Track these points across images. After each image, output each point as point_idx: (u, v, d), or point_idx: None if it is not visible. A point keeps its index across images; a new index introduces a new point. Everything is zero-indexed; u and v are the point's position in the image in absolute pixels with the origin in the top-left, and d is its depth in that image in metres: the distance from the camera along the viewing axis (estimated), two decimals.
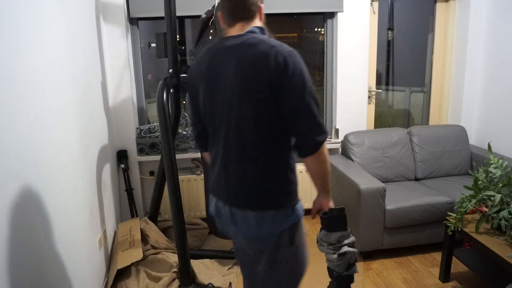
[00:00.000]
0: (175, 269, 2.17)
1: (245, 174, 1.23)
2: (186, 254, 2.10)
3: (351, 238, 1.64)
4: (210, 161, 1.38)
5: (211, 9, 2.05)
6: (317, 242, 1.71)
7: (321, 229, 1.68)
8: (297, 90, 1.15)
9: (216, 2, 2.06)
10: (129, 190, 2.77)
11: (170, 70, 2.17)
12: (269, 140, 1.22)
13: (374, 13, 3.11)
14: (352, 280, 1.64)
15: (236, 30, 1.24)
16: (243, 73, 1.17)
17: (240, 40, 1.20)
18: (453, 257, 2.25)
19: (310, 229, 2.90)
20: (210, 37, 2.02)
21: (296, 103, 1.16)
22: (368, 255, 2.53)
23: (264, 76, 1.14)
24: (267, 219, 1.26)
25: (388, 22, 3.31)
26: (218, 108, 1.24)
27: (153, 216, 2.60)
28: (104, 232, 2.28)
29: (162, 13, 2.18)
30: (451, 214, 2.18)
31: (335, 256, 1.61)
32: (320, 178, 1.28)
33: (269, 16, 2.87)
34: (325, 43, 3.05)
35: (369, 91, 3.21)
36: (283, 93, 1.15)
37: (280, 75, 1.14)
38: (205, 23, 2.05)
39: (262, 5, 1.27)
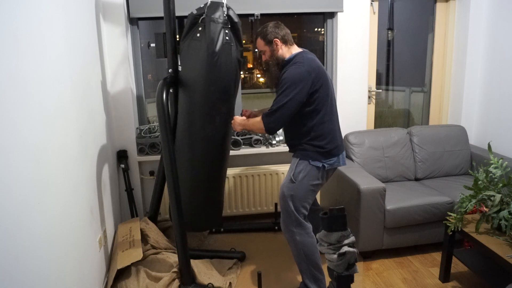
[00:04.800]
0: (175, 269, 2.17)
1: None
2: (186, 254, 2.11)
3: (351, 238, 1.65)
4: (327, 126, 1.98)
5: (203, 6, 2.05)
6: (317, 242, 1.71)
7: (321, 229, 1.68)
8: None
9: (209, 1, 2.06)
10: (129, 190, 2.78)
11: (170, 70, 2.17)
12: None
13: (374, 13, 3.11)
14: (352, 280, 1.65)
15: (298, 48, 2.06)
16: None
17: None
18: (453, 257, 2.25)
19: None
20: (198, 35, 2.02)
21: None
22: (368, 255, 2.53)
23: None
24: None
25: (388, 22, 3.31)
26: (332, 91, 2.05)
27: (153, 216, 2.60)
28: (104, 232, 2.28)
29: (162, 13, 2.18)
30: (451, 214, 2.18)
31: (335, 256, 1.61)
32: (253, 125, 2.02)
33: (269, 16, 2.89)
34: (325, 43, 3.05)
35: (369, 91, 3.21)
36: None
37: None
38: (195, 19, 2.05)
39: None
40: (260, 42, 2.04)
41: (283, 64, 1.99)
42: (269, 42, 2.00)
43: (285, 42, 2.00)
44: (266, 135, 3.02)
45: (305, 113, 1.94)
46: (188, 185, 2.24)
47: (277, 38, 1.98)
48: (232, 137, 2.86)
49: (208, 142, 2.17)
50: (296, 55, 1.97)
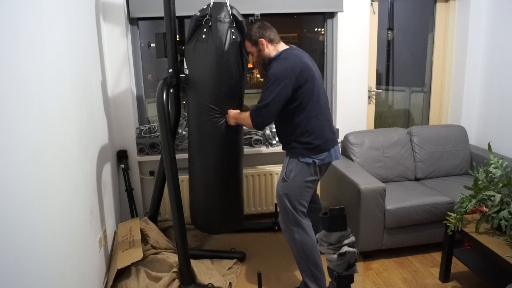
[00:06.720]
0: (175, 269, 2.17)
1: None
2: (186, 254, 2.11)
3: (351, 238, 1.65)
4: (314, 121, 1.97)
5: (206, 8, 2.06)
6: (317, 242, 1.71)
7: (321, 229, 1.68)
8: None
9: (212, 2, 2.06)
10: (129, 190, 2.78)
11: (170, 70, 2.17)
12: None
13: (374, 13, 3.11)
14: (352, 280, 1.64)
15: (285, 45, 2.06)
16: None
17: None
18: (453, 257, 2.25)
19: None
20: (204, 36, 2.02)
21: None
22: (368, 255, 2.53)
23: None
24: None
25: (388, 22, 3.31)
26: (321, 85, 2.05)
27: (153, 216, 2.60)
28: (104, 232, 2.28)
29: (162, 13, 2.18)
30: (451, 214, 2.18)
31: (335, 256, 1.61)
32: (243, 120, 2.05)
33: (269, 16, 2.89)
34: (325, 43, 3.05)
35: (369, 91, 3.21)
36: None
37: None
38: (198, 21, 2.06)
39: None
40: (247, 44, 2.06)
41: (270, 62, 2.01)
42: (255, 43, 2.02)
43: (270, 41, 2.01)
44: (266, 135, 3.02)
45: (291, 109, 1.96)
46: (203, 188, 2.24)
47: (262, 38, 2.00)
48: None
49: (221, 141, 2.16)
50: (281, 52, 1.99)
